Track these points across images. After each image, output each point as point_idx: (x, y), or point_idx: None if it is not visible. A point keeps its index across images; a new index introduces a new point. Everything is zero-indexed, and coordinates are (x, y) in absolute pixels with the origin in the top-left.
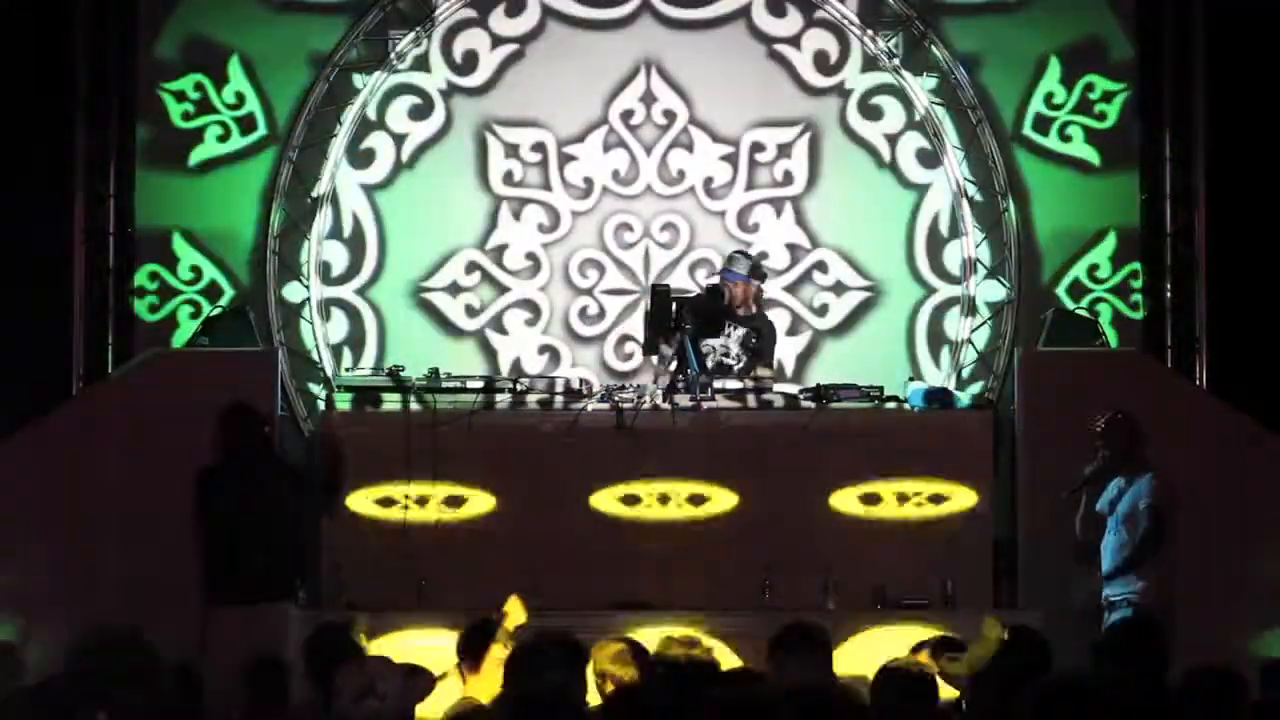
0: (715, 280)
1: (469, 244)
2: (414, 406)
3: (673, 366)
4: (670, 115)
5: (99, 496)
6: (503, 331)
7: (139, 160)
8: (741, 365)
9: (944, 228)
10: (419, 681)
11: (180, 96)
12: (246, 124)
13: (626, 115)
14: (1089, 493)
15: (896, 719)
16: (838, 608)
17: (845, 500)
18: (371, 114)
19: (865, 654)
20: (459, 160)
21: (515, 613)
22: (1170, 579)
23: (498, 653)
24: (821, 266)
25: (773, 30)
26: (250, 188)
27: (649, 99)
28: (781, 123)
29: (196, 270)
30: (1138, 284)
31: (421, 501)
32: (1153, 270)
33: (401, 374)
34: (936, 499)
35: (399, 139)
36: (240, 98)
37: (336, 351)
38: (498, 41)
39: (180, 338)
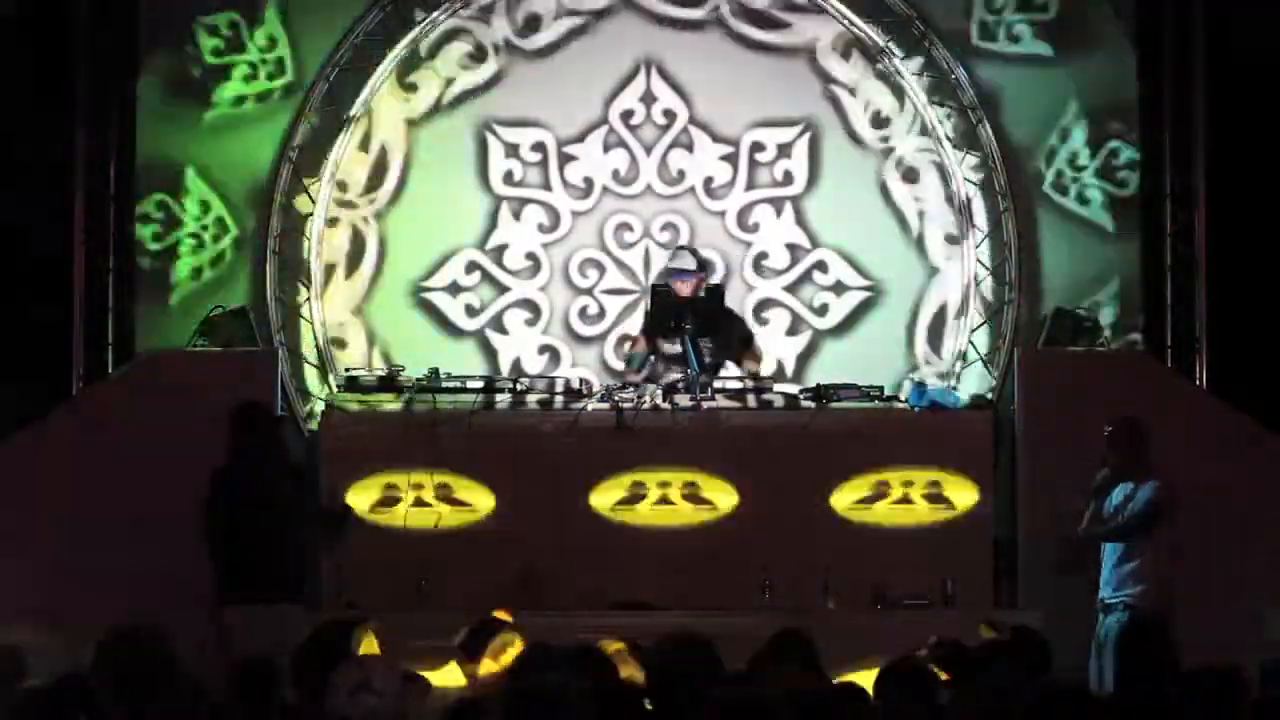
0: (666, 281)
1: (469, 244)
2: (414, 406)
3: (648, 368)
4: (670, 115)
5: (99, 496)
6: (503, 331)
7: (162, 93)
8: (710, 361)
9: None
10: (416, 685)
11: (212, 31)
12: (276, 69)
13: (626, 115)
14: (1097, 499)
15: (897, 718)
16: (838, 608)
17: (845, 500)
18: (423, 52)
19: (865, 654)
20: (500, 109)
21: (507, 615)
22: (1170, 581)
23: (498, 652)
24: (821, 266)
25: (833, 71)
26: (273, 132)
27: (649, 99)
28: (781, 122)
29: (205, 205)
30: (1123, 154)
31: (421, 502)
32: (1153, 270)
33: (401, 374)
34: (936, 499)
35: (447, 81)
36: (272, 41)
37: (329, 269)
38: (561, 13)
39: (180, 269)
